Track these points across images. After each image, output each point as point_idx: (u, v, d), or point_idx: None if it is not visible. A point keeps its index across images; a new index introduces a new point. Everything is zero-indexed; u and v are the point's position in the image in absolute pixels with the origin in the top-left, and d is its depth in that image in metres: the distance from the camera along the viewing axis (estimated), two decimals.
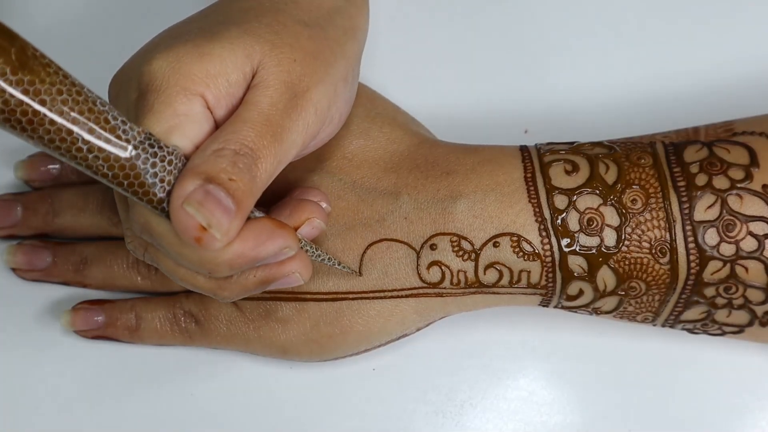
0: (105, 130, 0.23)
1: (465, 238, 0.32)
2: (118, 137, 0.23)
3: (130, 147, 0.23)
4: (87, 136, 0.22)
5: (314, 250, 0.30)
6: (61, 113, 0.22)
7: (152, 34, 0.30)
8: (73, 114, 0.22)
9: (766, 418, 0.35)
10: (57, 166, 0.38)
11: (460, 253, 0.32)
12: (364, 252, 0.32)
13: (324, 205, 0.31)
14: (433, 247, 0.32)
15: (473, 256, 0.32)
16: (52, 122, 0.22)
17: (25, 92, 0.21)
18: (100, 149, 0.23)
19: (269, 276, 0.28)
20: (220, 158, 0.24)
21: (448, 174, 0.33)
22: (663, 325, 0.33)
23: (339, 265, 0.31)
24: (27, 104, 0.21)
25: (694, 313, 0.32)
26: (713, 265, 0.30)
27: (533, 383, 0.36)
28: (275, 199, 0.31)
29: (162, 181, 0.24)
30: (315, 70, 0.28)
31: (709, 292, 0.31)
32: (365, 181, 0.33)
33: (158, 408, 0.36)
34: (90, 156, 0.23)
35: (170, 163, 0.24)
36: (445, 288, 0.32)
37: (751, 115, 0.34)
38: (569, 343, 0.36)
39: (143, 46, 0.29)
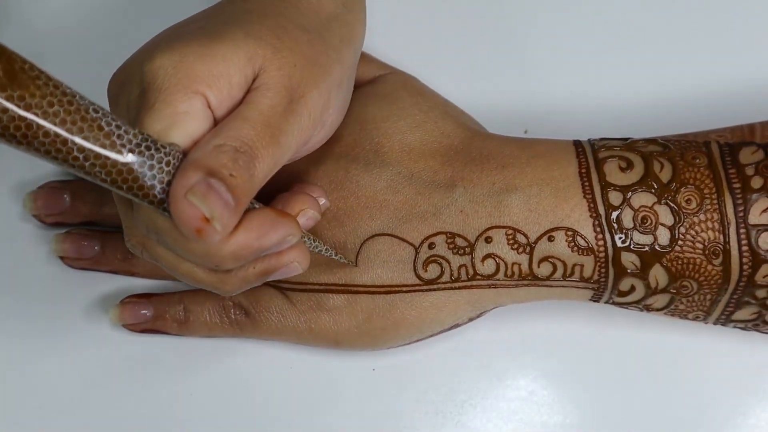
0: (99, 137, 0.23)
1: (520, 231, 0.32)
2: (113, 143, 0.23)
3: (125, 151, 0.23)
4: (82, 144, 0.22)
5: (311, 240, 0.30)
6: (54, 124, 0.22)
7: (151, 34, 0.29)
8: (66, 124, 0.22)
9: (767, 417, 0.35)
10: None
11: (515, 246, 0.32)
12: (421, 244, 0.33)
13: (322, 201, 0.32)
14: (488, 239, 0.32)
15: (528, 249, 0.32)
16: (46, 134, 0.22)
17: (16, 107, 0.21)
18: (96, 155, 0.23)
19: (269, 267, 0.28)
20: (222, 153, 0.24)
21: (503, 167, 0.33)
22: (715, 323, 0.33)
23: (336, 255, 0.32)
24: (19, 119, 0.21)
25: (745, 313, 0.32)
26: (766, 268, 0.30)
27: (533, 383, 0.36)
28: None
29: (161, 182, 0.24)
30: (312, 75, 0.28)
31: (761, 293, 0.31)
32: (423, 173, 0.33)
33: (157, 407, 0.36)
34: (87, 164, 0.23)
35: (168, 164, 0.24)
36: (498, 280, 0.32)
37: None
38: (569, 344, 0.36)
39: (144, 45, 0.29)
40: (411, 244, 0.33)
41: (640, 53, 0.40)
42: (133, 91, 0.27)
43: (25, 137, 0.21)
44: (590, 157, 0.33)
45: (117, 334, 0.36)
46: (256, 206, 0.27)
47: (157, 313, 0.35)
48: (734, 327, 0.33)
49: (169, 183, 0.24)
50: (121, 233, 0.37)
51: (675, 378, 0.36)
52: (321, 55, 0.29)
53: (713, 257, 0.31)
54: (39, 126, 0.21)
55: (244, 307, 0.35)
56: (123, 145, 0.23)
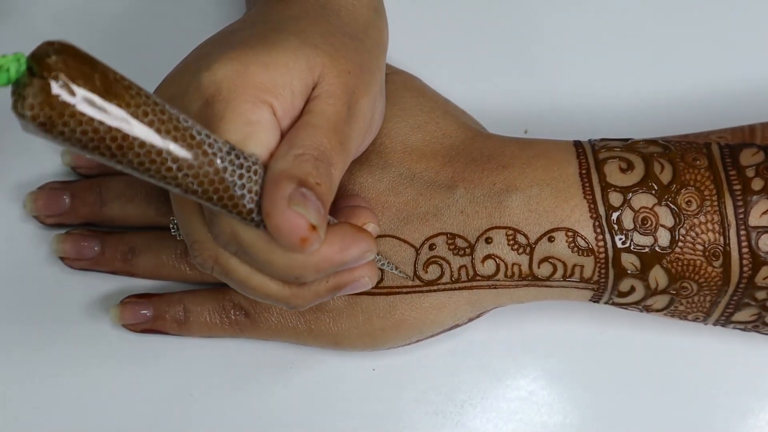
0: (192, 146, 0.22)
1: (520, 232, 0.32)
2: (205, 152, 0.22)
3: (217, 160, 0.23)
4: (176, 154, 0.22)
5: (376, 255, 0.30)
6: (149, 135, 0.21)
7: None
8: (161, 134, 0.21)
9: (767, 417, 0.35)
10: None
11: (515, 246, 0.32)
12: (422, 245, 0.33)
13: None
14: (488, 240, 0.32)
15: (528, 249, 0.32)
16: (142, 144, 0.21)
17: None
18: (190, 166, 0.22)
19: (341, 281, 0.28)
20: (305, 163, 0.24)
21: (504, 168, 0.33)
22: (714, 325, 0.33)
23: (396, 270, 0.32)
24: (116, 129, 0.20)
25: (744, 314, 0.32)
26: (766, 270, 0.30)
27: (533, 383, 0.36)
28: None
29: (249, 191, 0.24)
30: (363, 81, 0.28)
31: (761, 295, 0.31)
32: (424, 174, 0.33)
33: (157, 407, 0.36)
34: (180, 174, 0.22)
35: (255, 173, 0.24)
36: (498, 280, 0.33)
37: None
38: (569, 344, 0.36)
39: (190, 56, 0.29)
40: (412, 246, 0.33)
41: (641, 53, 0.40)
42: (193, 102, 0.26)
43: (120, 148, 0.21)
44: (590, 157, 0.33)
45: (117, 334, 0.36)
46: (331, 220, 0.27)
47: (157, 313, 0.35)
48: (734, 328, 0.33)
49: (257, 193, 0.24)
50: (120, 233, 0.37)
51: (675, 378, 0.36)
52: (366, 62, 0.29)
53: (713, 259, 0.31)
54: (135, 136, 0.21)
55: (243, 307, 0.35)
56: (214, 154, 0.23)
